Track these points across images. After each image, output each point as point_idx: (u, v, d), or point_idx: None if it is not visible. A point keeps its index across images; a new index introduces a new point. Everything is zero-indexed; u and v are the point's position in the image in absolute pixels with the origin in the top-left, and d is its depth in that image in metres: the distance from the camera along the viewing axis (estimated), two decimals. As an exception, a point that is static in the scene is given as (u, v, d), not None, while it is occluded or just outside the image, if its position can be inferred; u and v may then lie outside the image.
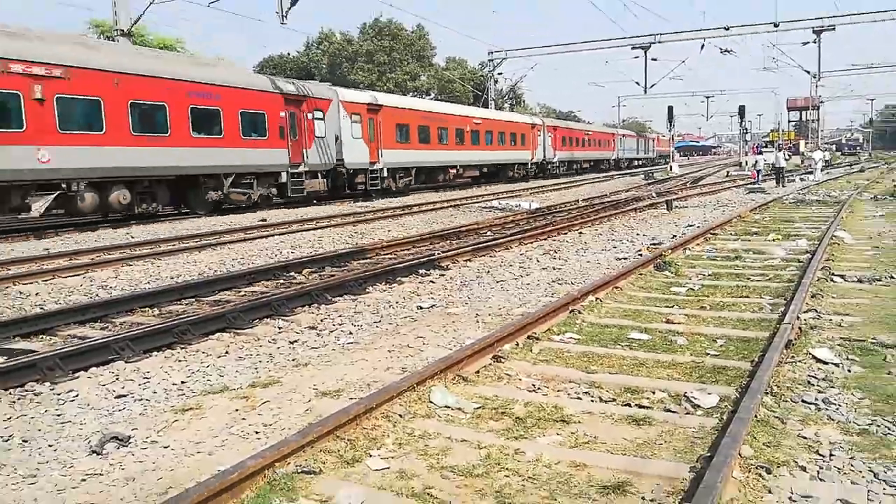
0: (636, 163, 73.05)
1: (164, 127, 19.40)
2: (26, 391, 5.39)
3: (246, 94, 22.17)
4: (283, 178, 23.59)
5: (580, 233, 15.41)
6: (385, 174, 29.52)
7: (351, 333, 7.10)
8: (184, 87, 19.96)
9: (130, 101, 18.35)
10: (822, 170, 38.73)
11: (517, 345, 6.21)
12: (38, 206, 16.50)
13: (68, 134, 16.83)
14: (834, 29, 42.96)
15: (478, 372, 5.53)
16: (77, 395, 5.32)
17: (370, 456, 4.01)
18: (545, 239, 14.34)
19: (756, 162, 38.59)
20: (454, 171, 36.99)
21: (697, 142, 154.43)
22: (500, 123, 41.80)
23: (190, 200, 21.45)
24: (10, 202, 16.23)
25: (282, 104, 23.38)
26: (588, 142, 57.52)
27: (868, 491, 3.49)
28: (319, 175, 26.05)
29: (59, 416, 4.92)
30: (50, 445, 4.41)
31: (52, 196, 16.91)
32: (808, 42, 44.86)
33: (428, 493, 3.59)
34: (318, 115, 25.25)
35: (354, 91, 30.60)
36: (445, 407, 4.77)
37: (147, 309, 8.35)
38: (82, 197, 17.38)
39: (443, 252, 11.99)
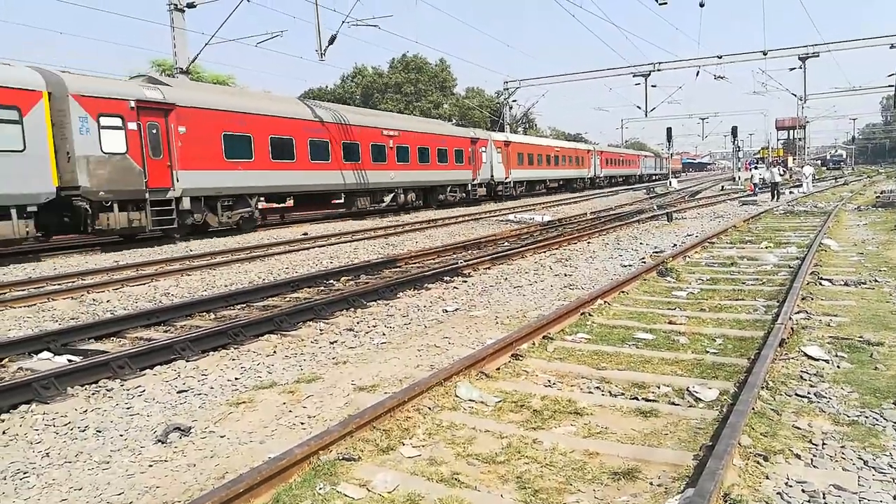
0: (654, 177, 79.63)
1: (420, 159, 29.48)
2: (99, 387, 5.47)
3: (453, 140, 32.84)
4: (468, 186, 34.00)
5: (589, 242, 15.30)
6: (512, 185, 39.19)
7: (384, 334, 7.11)
8: (435, 144, 30.92)
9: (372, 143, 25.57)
10: (811, 182, 38.25)
11: (533, 344, 6.17)
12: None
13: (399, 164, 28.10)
14: (818, 56, 42.34)
15: (498, 369, 5.51)
16: (144, 391, 5.39)
17: (403, 444, 4.01)
18: (557, 248, 14.26)
19: (752, 176, 38.11)
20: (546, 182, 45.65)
21: (694, 159, 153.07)
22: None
23: (429, 199, 31.07)
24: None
25: (470, 143, 34.10)
26: (620, 161, 67.24)
27: (858, 477, 3.41)
28: (483, 185, 35.78)
29: (128, 409, 4.99)
30: (121, 435, 4.47)
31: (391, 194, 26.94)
32: (795, 68, 44.30)
33: (455, 478, 3.58)
34: (483, 149, 35.42)
35: (498, 133, 40.68)
36: (470, 400, 4.76)
37: (204, 314, 8.42)
38: (399, 196, 28.23)
39: (465, 261, 11.97)
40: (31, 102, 14.49)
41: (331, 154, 23.75)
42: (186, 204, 17.98)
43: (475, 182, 35.13)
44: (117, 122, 16.13)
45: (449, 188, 32.58)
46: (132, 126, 16.49)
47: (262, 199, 21.34)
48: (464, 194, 34.11)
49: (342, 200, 25.80)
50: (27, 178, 14.31)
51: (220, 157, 19.14)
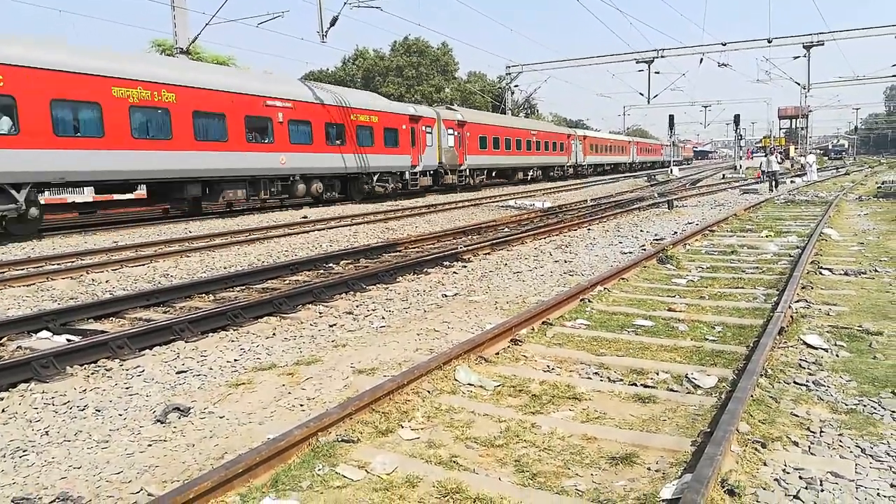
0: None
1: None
2: (99, 367, 5.48)
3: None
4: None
5: (589, 229, 15.29)
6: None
7: (383, 318, 7.11)
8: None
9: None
10: (816, 172, 38.10)
11: (533, 329, 6.18)
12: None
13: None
14: (823, 44, 42.07)
15: (497, 353, 5.51)
16: (143, 371, 5.40)
17: (402, 427, 4.02)
18: (557, 234, 14.25)
19: (761, 164, 37.17)
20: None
21: (696, 147, 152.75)
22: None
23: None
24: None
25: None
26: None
27: (856, 464, 3.43)
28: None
29: (127, 388, 4.99)
30: (120, 415, 4.48)
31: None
32: (799, 56, 44.00)
33: (454, 461, 3.59)
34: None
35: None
36: (469, 384, 4.77)
37: (204, 295, 8.42)
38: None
39: (465, 246, 11.96)
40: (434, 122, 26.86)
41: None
42: None
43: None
44: (452, 132, 30.75)
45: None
46: (456, 133, 31.70)
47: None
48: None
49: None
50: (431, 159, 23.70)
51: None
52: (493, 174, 38.30)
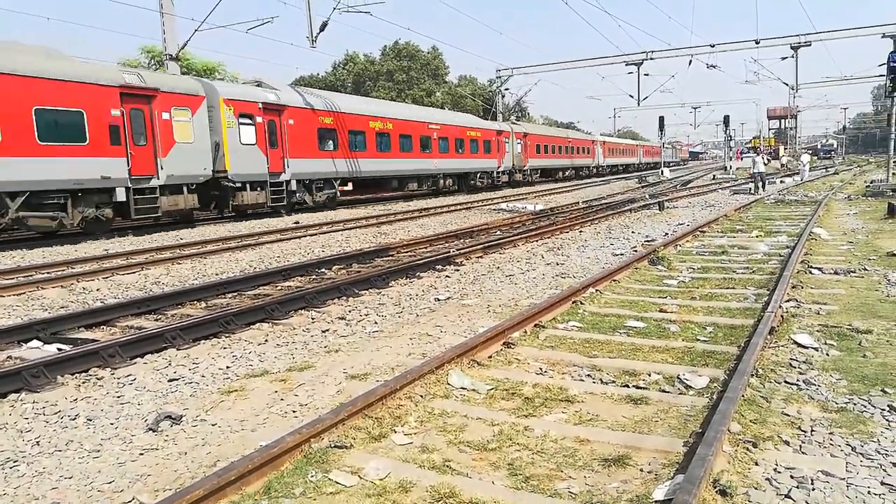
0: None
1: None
2: (90, 375, 5.45)
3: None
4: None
5: (580, 231, 15.33)
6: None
7: (376, 323, 7.10)
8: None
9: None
10: (808, 170, 38.30)
11: (525, 332, 6.19)
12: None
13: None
14: (810, 45, 42.33)
15: (490, 357, 5.52)
16: (134, 379, 5.37)
17: (395, 432, 4.02)
18: (549, 237, 14.28)
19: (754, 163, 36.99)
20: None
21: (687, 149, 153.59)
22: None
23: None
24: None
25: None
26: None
27: (846, 463, 3.45)
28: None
29: (118, 397, 4.97)
30: (111, 423, 4.45)
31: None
32: (787, 57, 44.26)
33: (447, 465, 3.59)
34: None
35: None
36: (461, 388, 4.77)
37: (195, 302, 8.39)
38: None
39: (457, 249, 11.97)
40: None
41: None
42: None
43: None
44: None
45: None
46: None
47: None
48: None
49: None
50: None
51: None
52: (541, 173, 45.18)
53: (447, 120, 33.47)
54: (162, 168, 17.43)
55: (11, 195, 14.13)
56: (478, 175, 36.18)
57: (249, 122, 20.39)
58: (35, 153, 14.45)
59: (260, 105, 20.84)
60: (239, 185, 20.03)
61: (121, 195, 16.34)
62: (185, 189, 18.35)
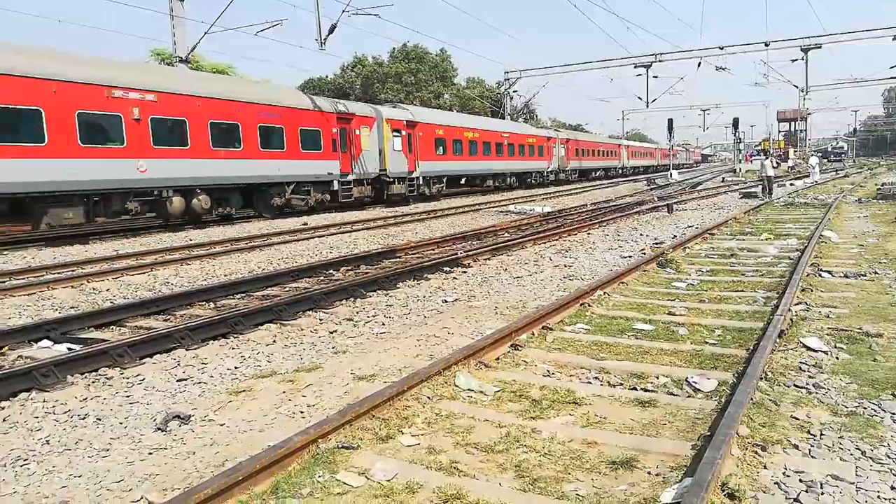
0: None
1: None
2: (99, 375, 5.48)
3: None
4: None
5: (589, 233, 15.30)
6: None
7: (384, 324, 7.11)
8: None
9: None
10: (818, 171, 38.17)
11: (533, 334, 6.18)
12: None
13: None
14: (820, 47, 42.25)
15: (497, 359, 5.52)
16: (143, 379, 5.40)
17: (402, 433, 4.02)
18: (557, 239, 14.26)
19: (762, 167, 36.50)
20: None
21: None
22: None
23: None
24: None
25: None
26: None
27: (856, 467, 3.43)
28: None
29: (128, 397, 5.00)
30: (120, 423, 4.48)
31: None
32: (797, 59, 44.17)
33: (454, 467, 3.59)
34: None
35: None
36: (469, 390, 4.77)
37: (204, 303, 8.43)
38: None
39: (465, 251, 11.97)
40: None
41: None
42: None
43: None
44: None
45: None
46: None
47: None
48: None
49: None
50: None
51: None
52: (578, 173, 51.55)
53: (513, 129, 41.36)
54: (354, 168, 24.93)
55: (288, 184, 22.07)
56: (533, 174, 43.40)
57: (398, 134, 27.88)
58: (299, 157, 22.24)
59: (405, 122, 28.41)
60: (392, 180, 27.59)
61: (335, 186, 24.09)
62: (364, 182, 25.99)
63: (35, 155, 14.36)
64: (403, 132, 28.72)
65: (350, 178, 24.84)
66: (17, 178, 14.11)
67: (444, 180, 32.51)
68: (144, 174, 16.74)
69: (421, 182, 29.86)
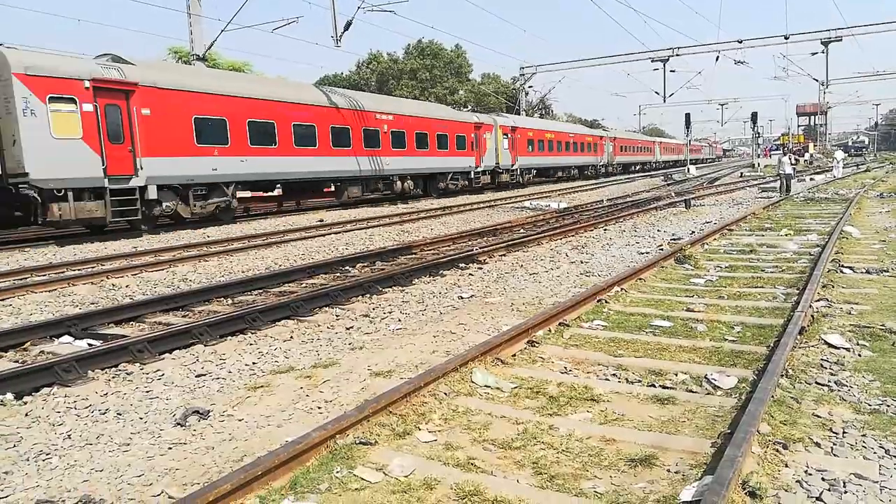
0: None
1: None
2: (119, 370, 5.55)
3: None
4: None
5: (605, 229, 15.21)
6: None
7: (400, 321, 7.12)
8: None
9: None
10: (842, 168, 37.67)
11: (549, 331, 6.15)
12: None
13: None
14: (841, 40, 41.55)
15: (514, 355, 5.50)
16: (163, 374, 5.45)
17: (419, 429, 4.02)
18: (573, 235, 14.19)
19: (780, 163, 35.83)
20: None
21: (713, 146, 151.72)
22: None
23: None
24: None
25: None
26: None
27: (880, 466, 3.37)
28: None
29: (147, 392, 5.05)
30: (140, 418, 4.52)
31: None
32: (817, 52, 43.50)
33: (472, 463, 3.59)
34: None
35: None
36: (486, 386, 4.76)
37: (222, 299, 8.49)
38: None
39: (480, 248, 11.95)
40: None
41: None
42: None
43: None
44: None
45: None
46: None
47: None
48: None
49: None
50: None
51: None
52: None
53: (576, 130, 46.65)
54: (481, 163, 33.07)
55: (447, 174, 30.40)
56: (589, 167, 47.20)
57: (506, 137, 35.67)
58: (455, 155, 30.71)
59: (510, 127, 35.97)
60: (501, 171, 35.15)
61: (472, 175, 32.29)
62: (486, 173, 33.63)
63: (345, 154, 23.60)
64: (509, 135, 36.29)
65: (479, 170, 33.24)
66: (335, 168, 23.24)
67: (533, 172, 39.94)
68: (389, 166, 26.07)
69: (519, 173, 37.40)
